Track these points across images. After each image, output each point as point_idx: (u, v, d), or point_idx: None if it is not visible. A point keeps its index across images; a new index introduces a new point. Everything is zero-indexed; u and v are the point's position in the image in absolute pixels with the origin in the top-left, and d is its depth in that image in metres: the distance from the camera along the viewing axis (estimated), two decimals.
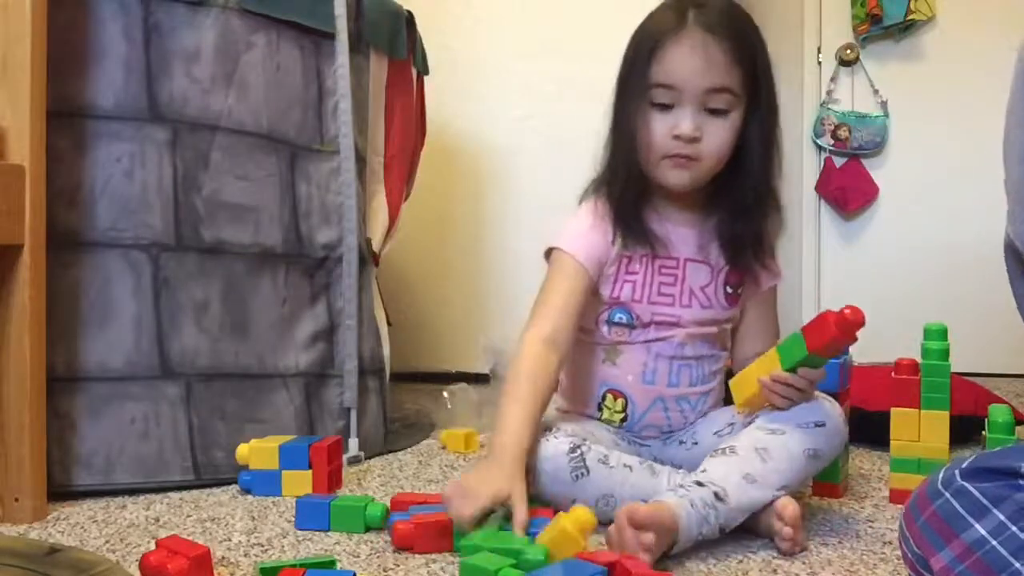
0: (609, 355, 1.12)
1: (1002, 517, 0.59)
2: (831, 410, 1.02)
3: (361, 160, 1.50)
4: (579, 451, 0.99)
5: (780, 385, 0.98)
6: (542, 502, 1.08)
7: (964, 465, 0.64)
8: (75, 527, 1.04)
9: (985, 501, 0.60)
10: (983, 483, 0.61)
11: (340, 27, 1.40)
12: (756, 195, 1.06)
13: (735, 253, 1.10)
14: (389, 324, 1.66)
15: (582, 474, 0.98)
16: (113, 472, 1.19)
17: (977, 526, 0.60)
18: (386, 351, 1.59)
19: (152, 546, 0.87)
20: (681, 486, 0.95)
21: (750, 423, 1.03)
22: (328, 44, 1.40)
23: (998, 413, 1.10)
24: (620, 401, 1.12)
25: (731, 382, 1.08)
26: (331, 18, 1.39)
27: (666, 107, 1.02)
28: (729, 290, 1.12)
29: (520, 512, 0.90)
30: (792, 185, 2.96)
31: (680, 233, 1.10)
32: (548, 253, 1.11)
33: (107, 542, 0.98)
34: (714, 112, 1.02)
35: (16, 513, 1.05)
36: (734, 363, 1.17)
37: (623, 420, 1.12)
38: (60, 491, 1.15)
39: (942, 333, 1.13)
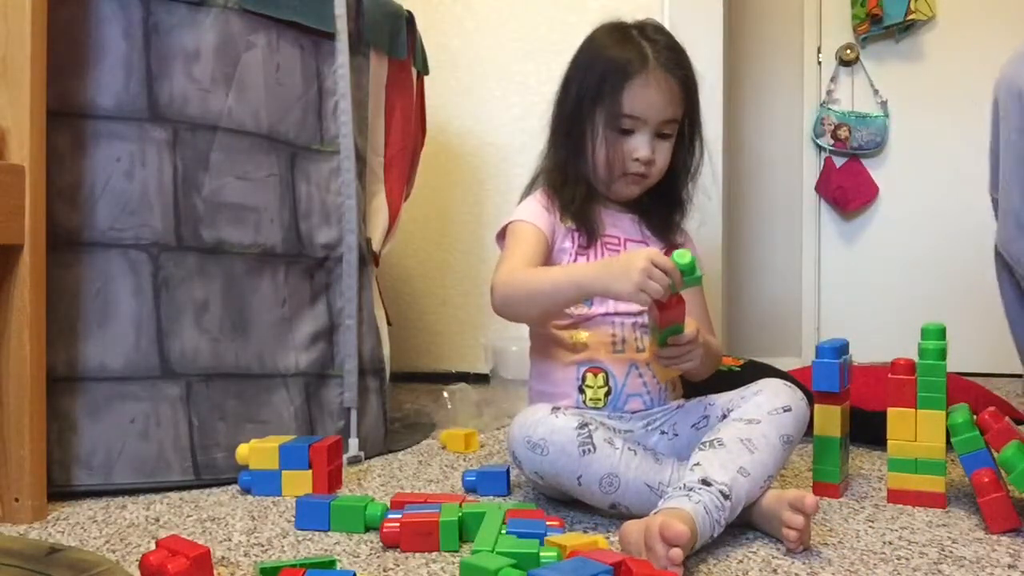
0: (576, 340, 1.17)
1: None
2: (794, 394, 1.09)
3: (361, 160, 1.50)
4: (587, 428, 1.02)
5: (664, 358, 1.12)
6: (541, 496, 1.08)
7: None
8: (75, 527, 1.04)
9: None
10: None
11: (340, 27, 1.40)
12: (678, 195, 1.28)
13: (662, 233, 1.28)
14: (389, 324, 1.66)
15: (589, 450, 1.01)
16: (113, 472, 1.19)
17: None
18: (386, 351, 1.59)
19: (152, 546, 0.87)
20: (692, 489, 0.95)
21: (723, 416, 1.10)
22: (328, 44, 1.40)
23: (957, 414, 1.10)
24: (601, 376, 1.16)
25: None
26: (331, 18, 1.39)
27: (627, 132, 1.19)
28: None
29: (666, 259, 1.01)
30: (792, 185, 2.96)
31: (619, 218, 1.26)
32: (501, 235, 1.24)
33: (107, 542, 0.98)
34: (663, 136, 1.20)
35: (16, 513, 1.06)
36: None
37: (607, 395, 1.15)
38: (60, 491, 1.15)
39: (939, 333, 1.13)
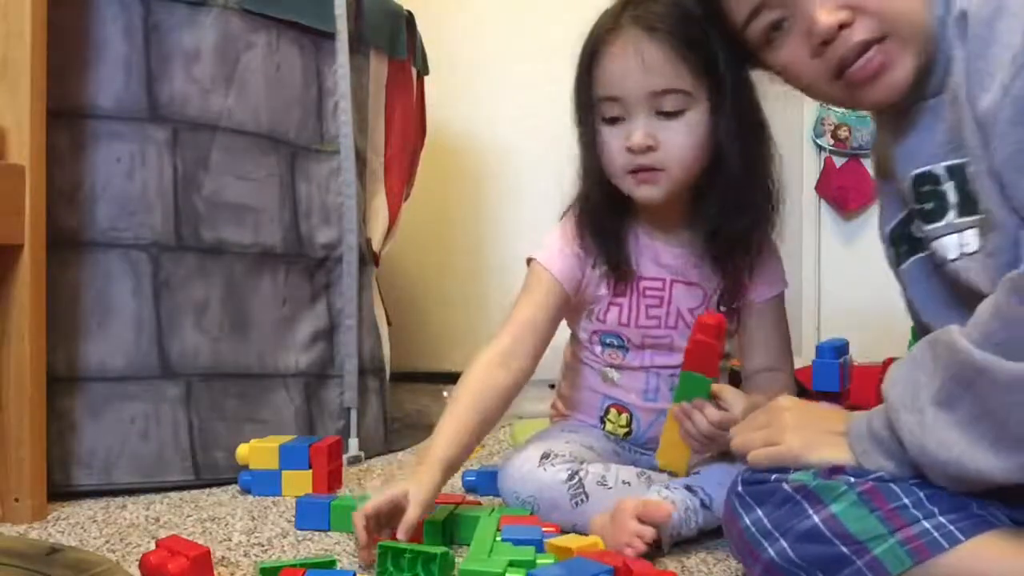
0: (606, 376, 1.09)
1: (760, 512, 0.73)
2: None
3: (361, 160, 1.50)
4: (577, 477, 0.96)
5: (685, 418, 0.95)
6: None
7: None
8: (75, 527, 1.04)
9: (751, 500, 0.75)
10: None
11: (340, 27, 1.40)
12: (737, 196, 0.97)
13: (722, 263, 1.02)
14: (389, 324, 1.66)
15: (581, 500, 0.95)
16: (113, 472, 1.19)
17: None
18: (386, 351, 1.59)
19: (152, 546, 0.87)
20: (668, 487, 0.94)
21: None
22: (328, 44, 1.40)
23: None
24: (624, 416, 1.09)
25: (660, 462, 1.02)
26: (331, 18, 1.39)
27: (617, 120, 0.96)
28: (722, 309, 1.06)
29: (409, 513, 0.85)
30: (792, 185, 2.96)
31: (667, 252, 1.05)
32: (529, 260, 1.07)
33: (107, 542, 0.98)
34: (668, 115, 0.94)
35: (16, 513, 1.05)
36: (744, 372, 1.13)
37: (627, 434, 1.10)
38: (60, 491, 1.15)
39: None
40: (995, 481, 0.63)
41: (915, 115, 0.79)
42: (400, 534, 0.84)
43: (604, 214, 1.02)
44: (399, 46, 1.59)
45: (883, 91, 0.76)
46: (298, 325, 1.37)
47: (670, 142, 0.94)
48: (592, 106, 0.98)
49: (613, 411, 1.10)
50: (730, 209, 0.97)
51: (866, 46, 0.73)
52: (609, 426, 1.10)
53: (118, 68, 1.21)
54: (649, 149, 0.94)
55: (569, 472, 0.96)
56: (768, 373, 1.07)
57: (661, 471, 1.02)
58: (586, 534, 0.93)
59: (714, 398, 0.94)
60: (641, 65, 0.92)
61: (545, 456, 0.99)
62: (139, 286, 1.22)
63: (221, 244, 1.28)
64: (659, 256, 1.04)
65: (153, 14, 1.23)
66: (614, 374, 1.09)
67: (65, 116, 1.17)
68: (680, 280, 1.04)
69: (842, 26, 0.73)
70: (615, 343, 1.07)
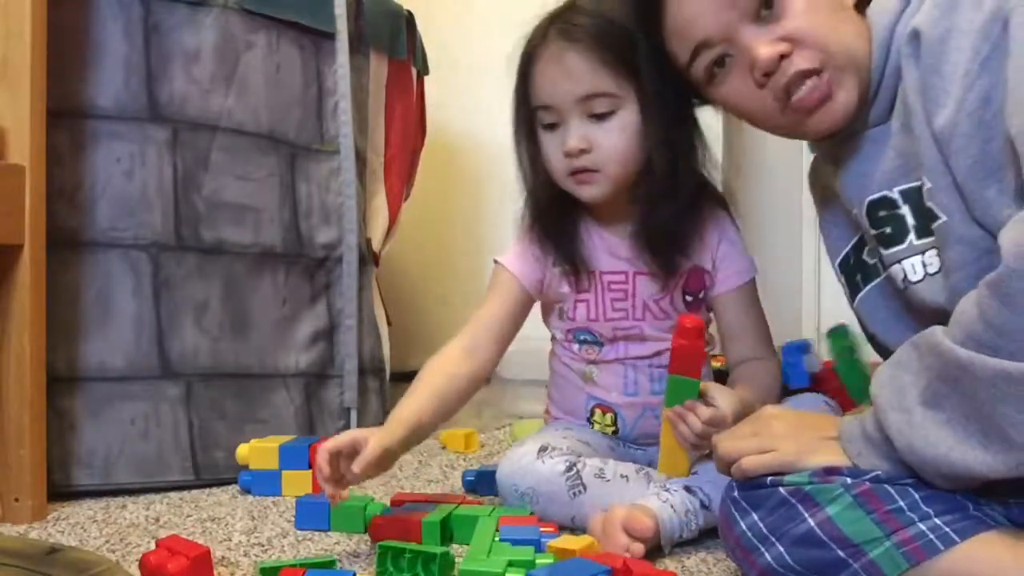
0: (587, 375, 1.11)
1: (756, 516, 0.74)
2: (830, 412, 1.02)
3: (361, 160, 1.50)
4: (575, 469, 0.97)
5: (679, 421, 0.95)
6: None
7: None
8: (75, 527, 1.04)
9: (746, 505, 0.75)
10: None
11: (340, 27, 1.40)
12: (660, 190, 1.00)
13: (653, 254, 1.05)
14: (389, 324, 1.66)
15: (579, 491, 0.96)
16: (113, 472, 1.19)
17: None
18: (386, 351, 1.59)
19: (152, 546, 0.87)
20: (666, 489, 0.94)
21: None
22: (328, 44, 1.40)
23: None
24: (609, 415, 1.10)
25: (662, 472, 1.01)
26: (331, 18, 1.39)
27: (554, 126, 1.01)
28: (688, 298, 1.08)
29: (367, 450, 0.89)
30: (792, 185, 2.96)
31: (622, 245, 1.07)
32: (495, 263, 1.13)
33: (107, 542, 0.98)
34: (600, 117, 0.99)
35: (16, 513, 1.05)
36: (728, 365, 1.15)
37: (615, 432, 1.11)
38: (60, 491, 1.15)
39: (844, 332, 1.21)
40: (985, 477, 0.63)
41: (860, 143, 0.81)
42: (356, 467, 0.88)
43: (554, 215, 1.07)
44: (399, 46, 1.59)
45: (829, 118, 0.78)
46: (298, 325, 1.37)
47: (603, 143, 0.99)
48: (531, 115, 1.04)
49: (598, 411, 1.11)
50: (655, 200, 1.02)
51: (806, 75, 0.76)
52: (596, 427, 1.12)
53: (118, 68, 1.21)
54: (583, 152, 0.99)
55: (567, 464, 0.97)
56: (753, 362, 1.08)
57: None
58: (584, 528, 0.94)
59: (702, 397, 0.96)
60: (566, 73, 0.98)
61: (543, 449, 1.00)
62: (139, 286, 1.22)
63: (221, 244, 1.28)
64: (616, 250, 1.08)
65: (153, 14, 1.23)
66: (594, 371, 1.11)
67: (65, 116, 1.17)
68: (641, 272, 1.07)
69: (782, 57, 0.76)
70: (589, 339, 1.10)
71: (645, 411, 1.09)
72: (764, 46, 0.76)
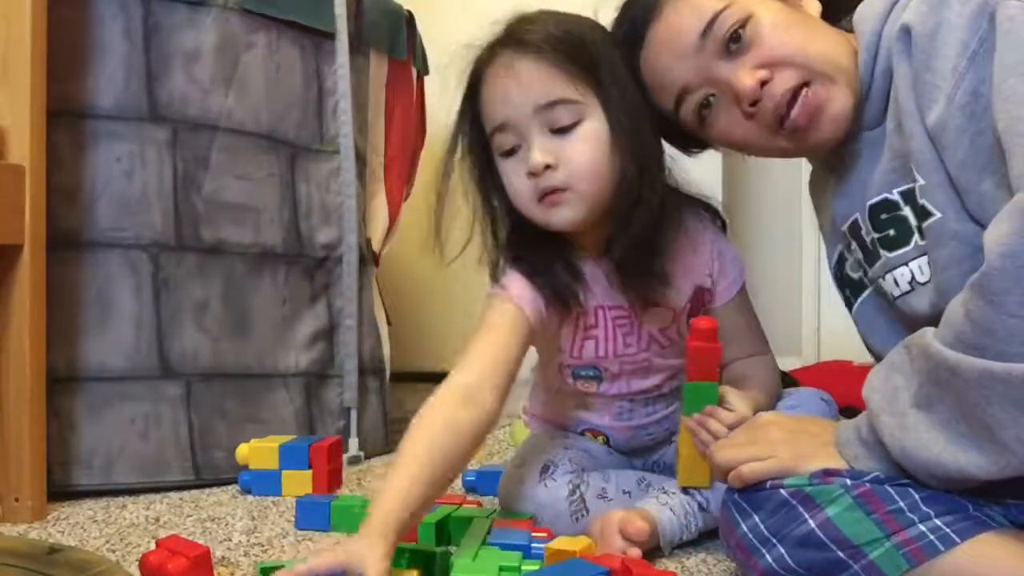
0: (580, 402, 1.05)
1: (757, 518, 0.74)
2: (829, 411, 1.01)
3: (361, 160, 1.50)
4: (578, 492, 0.94)
5: (700, 428, 0.88)
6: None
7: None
8: (75, 527, 1.04)
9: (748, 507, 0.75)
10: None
11: (340, 27, 1.40)
12: (629, 202, 0.89)
13: (626, 273, 0.94)
14: (389, 324, 1.66)
15: (582, 515, 0.94)
16: (113, 472, 1.19)
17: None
18: (386, 351, 1.59)
19: (152, 546, 0.87)
20: (665, 492, 0.94)
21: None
22: (328, 44, 1.40)
23: None
24: (600, 437, 1.07)
25: (682, 483, 0.95)
26: (331, 18, 1.39)
27: (514, 150, 0.90)
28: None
29: None
30: (792, 185, 2.96)
31: (600, 278, 0.97)
32: (489, 296, 0.97)
33: (107, 542, 0.98)
34: (563, 131, 0.87)
35: (16, 513, 1.05)
36: (725, 359, 1.11)
37: (606, 443, 1.08)
38: (60, 491, 1.15)
39: None
40: (977, 479, 0.64)
41: (858, 148, 0.81)
42: None
43: (535, 253, 0.94)
44: (399, 46, 1.59)
45: (827, 128, 0.78)
46: (298, 325, 1.37)
47: (571, 157, 0.87)
48: (486, 146, 0.92)
49: (588, 435, 1.07)
50: (623, 213, 0.90)
51: (794, 93, 0.77)
52: (588, 438, 1.08)
53: (118, 68, 1.21)
54: (548, 168, 0.87)
55: (570, 487, 0.94)
56: (751, 359, 1.04)
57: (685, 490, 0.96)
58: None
59: (721, 402, 0.91)
60: (518, 82, 0.87)
61: (545, 469, 0.96)
62: (139, 286, 1.22)
63: (221, 244, 1.28)
64: (611, 283, 0.97)
65: (153, 14, 1.23)
66: (588, 400, 1.05)
67: (65, 116, 1.17)
68: (639, 304, 0.98)
69: (763, 83, 0.77)
70: (591, 374, 1.02)
71: (637, 431, 1.06)
72: (744, 77, 0.77)
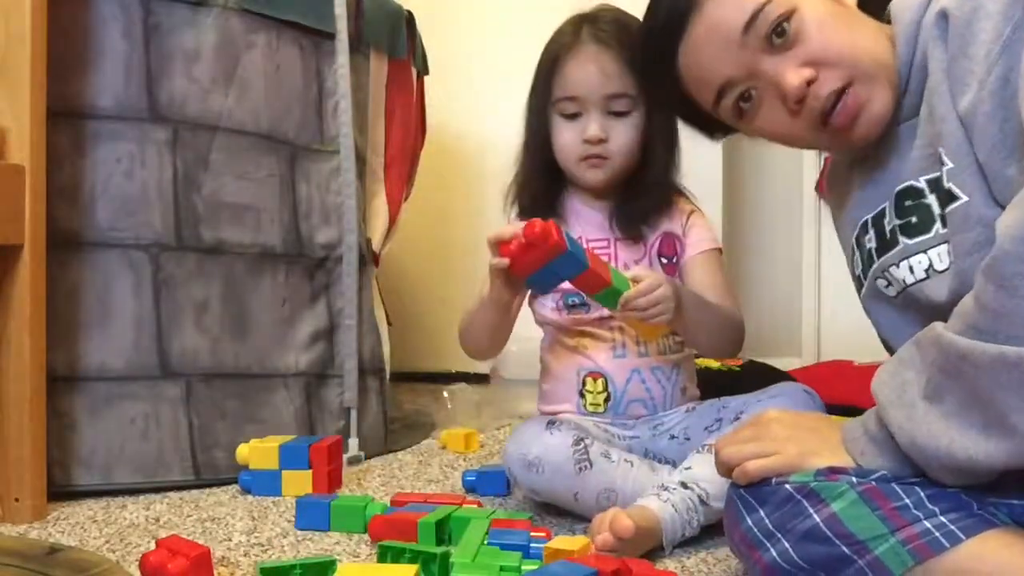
0: (578, 347, 1.15)
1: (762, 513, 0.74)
2: (812, 401, 1.05)
3: (361, 160, 1.50)
4: (583, 444, 1.01)
5: (631, 312, 1.03)
6: (537, 504, 1.08)
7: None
8: (75, 527, 1.04)
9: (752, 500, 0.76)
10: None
11: (340, 27, 1.40)
12: (657, 184, 1.16)
13: (629, 225, 1.18)
14: (389, 324, 1.66)
15: (586, 466, 1.00)
16: (113, 472, 1.19)
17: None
18: (386, 351, 1.59)
19: (152, 546, 0.87)
20: (666, 488, 0.96)
21: (735, 419, 1.05)
22: (328, 44, 1.40)
23: None
24: (600, 381, 1.14)
25: (643, 335, 1.14)
26: (331, 18, 1.39)
27: (574, 116, 1.13)
28: (664, 260, 1.17)
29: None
30: (792, 185, 2.96)
31: (589, 215, 1.19)
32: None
33: (107, 542, 0.98)
34: (618, 115, 1.12)
35: (16, 513, 1.05)
36: None
37: (607, 400, 1.13)
38: (60, 491, 1.15)
39: None
40: (986, 467, 0.63)
41: (894, 139, 0.80)
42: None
43: (539, 184, 1.18)
44: (399, 46, 1.59)
45: (868, 127, 0.78)
46: (298, 325, 1.37)
47: (618, 137, 1.12)
48: (548, 104, 1.15)
49: (589, 380, 1.14)
50: (644, 189, 1.16)
51: (838, 94, 0.76)
52: (589, 398, 1.14)
53: (118, 68, 1.21)
54: (601, 141, 1.12)
55: (575, 437, 1.02)
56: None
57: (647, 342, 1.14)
58: (582, 514, 0.98)
59: (634, 283, 1.02)
60: (600, 72, 1.11)
61: (551, 423, 1.04)
62: (139, 286, 1.22)
63: (221, 244, 1.28)
64: (596, 221, 1.18)
65: (153, 14, 1.23)
66: (584, 340, 1.15)
67: (65, 116, 1.17)
68: (593, 239, 1.17)
69: (809, 82, 0.76)
70: (577, 301, 1.15)
71: (633, 373, 1.14)
72: (791, 75, 0.77)
